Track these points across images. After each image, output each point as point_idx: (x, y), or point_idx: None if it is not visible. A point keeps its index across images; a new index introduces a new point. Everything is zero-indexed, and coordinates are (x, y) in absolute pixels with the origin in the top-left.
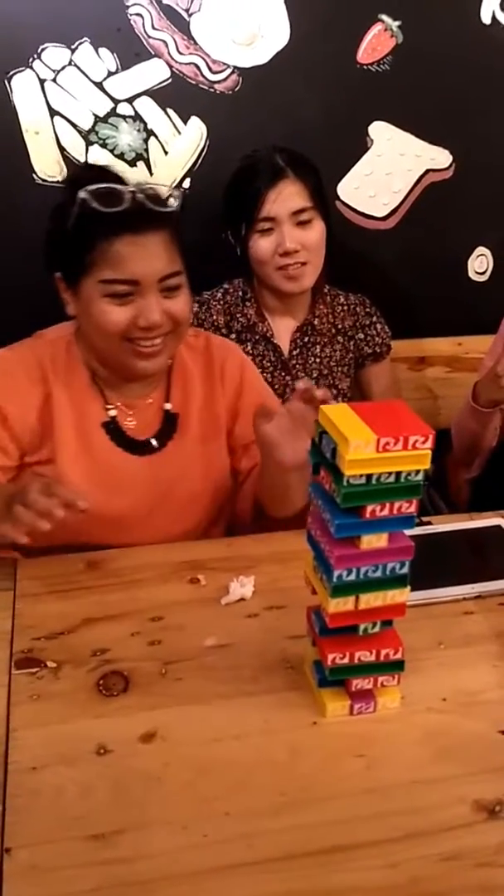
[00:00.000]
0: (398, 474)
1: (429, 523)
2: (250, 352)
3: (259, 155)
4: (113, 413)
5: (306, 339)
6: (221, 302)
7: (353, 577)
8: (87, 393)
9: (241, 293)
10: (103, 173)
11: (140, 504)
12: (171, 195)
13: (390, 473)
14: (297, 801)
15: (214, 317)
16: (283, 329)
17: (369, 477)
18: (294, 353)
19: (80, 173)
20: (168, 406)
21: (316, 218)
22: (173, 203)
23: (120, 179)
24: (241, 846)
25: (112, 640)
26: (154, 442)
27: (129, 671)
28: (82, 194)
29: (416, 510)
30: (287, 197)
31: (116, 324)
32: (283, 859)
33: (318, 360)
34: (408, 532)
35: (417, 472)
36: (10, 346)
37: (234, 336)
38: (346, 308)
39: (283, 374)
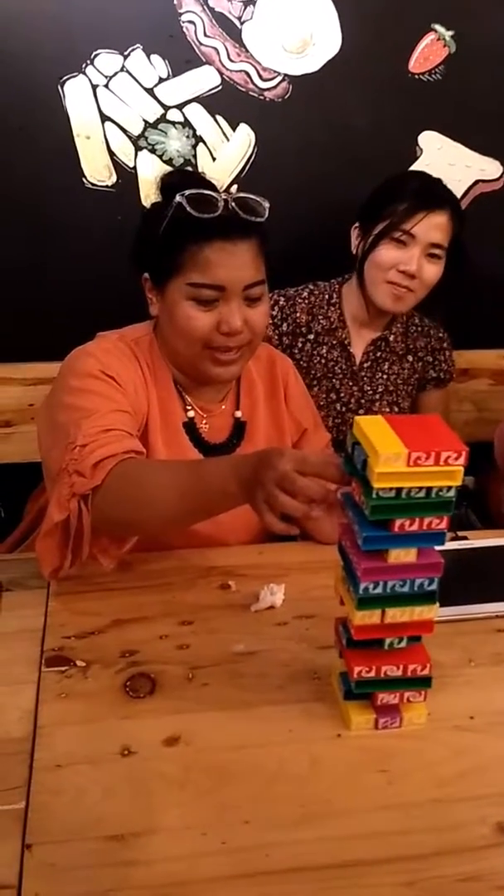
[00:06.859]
0: (429, 490)
1: (465, 538)
2: (325, 356)
3: (429, 177)
4: (191, 414)
5: (379, 353)
6: (306, 301)
7: (379, 590)
8: (170, 392)
9: (326, 296)
10: (196, 179)
11: None
12: (261, 205)
13: (421, 488)
14: (316, 813)
15: (298, 314)
16: (359, 340)
17: (399, 491)
18: (365, 365)
19: (174, 178)
20: (238, 414)
21: (443, 259)
22: (263, 213)
23: (212, 186)
24: (259, 855)
25: (141, 641)
26: (228, 445)
27: (156, 674)
28: (178, 199)
29: (446, 527)
30: (435, 226)
31: (199, 329)
32: (300, 870)
33: (385, 375)
34: (441, 547)
35: (449, 488)
36: (100, 340)
37: (312, 337)
38: (419, 329)
39: (350, 383)
